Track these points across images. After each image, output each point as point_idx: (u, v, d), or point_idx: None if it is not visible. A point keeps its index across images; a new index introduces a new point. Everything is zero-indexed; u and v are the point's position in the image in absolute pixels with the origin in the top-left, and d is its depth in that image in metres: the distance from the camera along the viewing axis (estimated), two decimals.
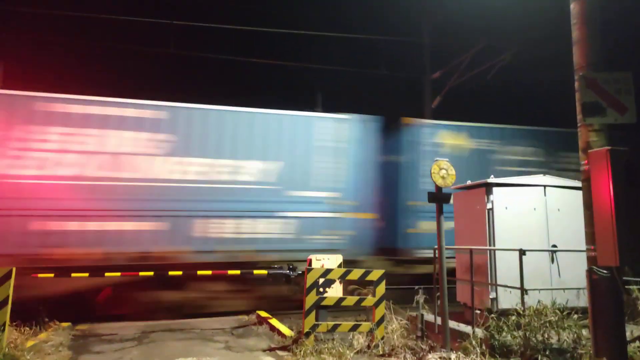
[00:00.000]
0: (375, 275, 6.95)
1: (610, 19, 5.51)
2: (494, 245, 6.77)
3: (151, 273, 8.57)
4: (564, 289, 6.41)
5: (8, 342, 5.99)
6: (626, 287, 5.13)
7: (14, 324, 6.77)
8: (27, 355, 5.92)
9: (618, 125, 4.82)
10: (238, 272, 9.15)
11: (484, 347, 5.47)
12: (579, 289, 6.37)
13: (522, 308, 5.52)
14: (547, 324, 5.27)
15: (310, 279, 6.74)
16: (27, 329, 7.00)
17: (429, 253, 9.75)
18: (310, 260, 7.90)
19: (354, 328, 6.82)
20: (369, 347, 6.63)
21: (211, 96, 10.54)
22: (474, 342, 5.57)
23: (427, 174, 9.98)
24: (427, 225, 10.70)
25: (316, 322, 6.68)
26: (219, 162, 9.72)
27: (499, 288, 6.58)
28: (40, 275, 8.02)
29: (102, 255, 8.74)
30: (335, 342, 6.45)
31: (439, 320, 6.56)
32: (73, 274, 8.20)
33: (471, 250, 6.65)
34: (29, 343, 6.51)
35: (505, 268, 6.61)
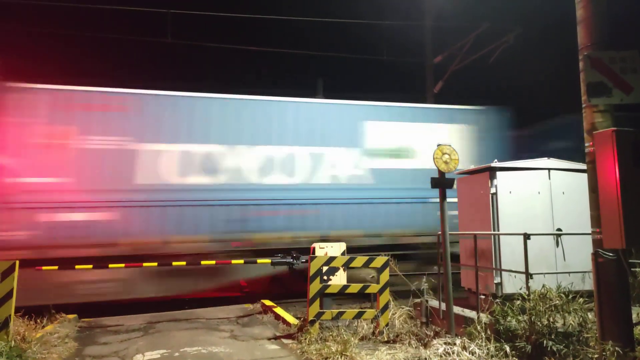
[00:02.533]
0: (379, 262, 6.93)
1: None
2: (498, 230, 6.72)
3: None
4: (569, 273, 6.36)
5: (14, 335, 6.03)
6: (632, 269, 5.07)
7: (25, 316, 6.82)
8: (34, 347, 5.96)
9: (624, 106, 4.72)
10: (242, 261, 9.16)
11: (489, 332, 5.45)
12: (585, 272, 6.33)
13: (527, 292, 5.48)
14: (553, 308, 5.23)
15: (313, 267, 6.72)
16: (33, 321, 7.02)
17: None
18: (314, 248, 7.89)
19: (359, 315, 6.82)
20: (373, 333, 6.64)
21: (212, 85, 10.45)
22: (478, 327, 5.55)
23: None
24: None
25: (321, 310, 6.68)
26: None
27: (503, 273, 6.55)
28: (44, 267, 8.05)
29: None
30: (340, 330, 6.46)
31: (443, 306, 6.54)
32: (77, 266, 8.23)
33: (475, 236, 6.60)
34: (36, 335, 6.55)
35: (510, 253, 6.57)
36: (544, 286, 5.54)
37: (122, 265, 8.50)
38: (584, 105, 4.86)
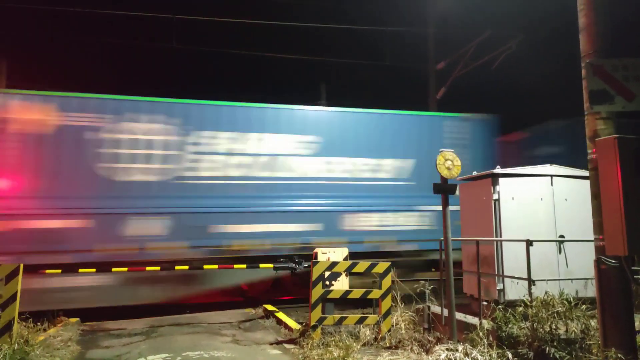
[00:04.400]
0: (381, 267, 6.94)
1: (616, 3, 5.38)
2: (501, 236, 6.72)
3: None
4: (571, 280, 6.36)
5: (18, 337, 6.05)
6: (635, 276, 5.07)
7: (29, 319, 6.85)
8: (37, 350, 5.97)
9: (626, 113, 4.74)
10: (244, 266, 9.19)
11: (491, 339, 5.44)
12: (587, 279, 6.32)
13: (530, 299, 5.48)
14: (555, 315, 5.23)
15: (316, 273, 6.73)
16: (37, 324, 7.05)
17: None
18: (316, 253, 7.90)
19: (361, 321, 6.81)
20: (375, 339, 6.64)
21: (217, 91, 10.51)
22: (481, 334, 5.54)
23: None
24: None
25: (323, 315, 6.69)
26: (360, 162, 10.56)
27: (505, 279, 6.54)
28: (48, 271, 8.09)
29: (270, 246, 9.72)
30: (342, 335, 6.46)
31: (445, 312, 6.53)
32: (80, 270, 8.27)
33: (477, 242, 6.61)
34: (39, 338, 6.57)
35: (512, 259, 6.57)
36: (546, 293, 5.54)
37: (125, 269, 8.53)
38: (586, 113, 4.89)
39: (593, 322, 5.15)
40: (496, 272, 6.65)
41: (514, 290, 6.46)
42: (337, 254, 7.87)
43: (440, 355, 5.36)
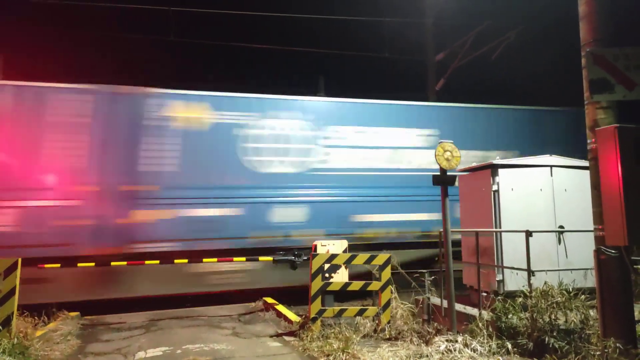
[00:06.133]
0: (380, 259, 6.93)
1: None
2: (500, 227, 6.71)
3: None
4: (571, 270, 6.35)
5: (17, 332, 6.05)
6: (634, 266, 5.07)
7: (27, 313, 6.87)
8: (36, 344, 5.98)
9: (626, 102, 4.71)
10: (244, 259, 9.18)
11: (490, 329, 5.45)
12: (587, 269, 6.32)
13: (529, 289, 5.48)
14: (554, 305, 5.23)
15: (315, 265, 6.73)
16: (36, 318, 7.05)
17: (148, 247, 8.83)
18: (316, 246, 7.89)
19: (360, 313, 6.82)
20: (375, 331, 6.64)
21: (212, 82, 10.44)
22: (480, 325, 5.55)
23: (151, 154, 8.94)
24: (144, 215, 8.94)
25: (322, 308, 6.69)
26: None
27: (505, 270, 6.54)
28: (47, 265, 8.08)
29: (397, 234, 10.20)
30: (341, 327, 6.46)
31: (445, 304, 6.54)
32: (79, 264, 8.26)
33: (477, 233, 6.60)
34: (38, 332, 6.57)
35: (512, 250, 6.56)
36: (545, 283, 5.53)
37: (125, 263, 8.52)
38: (586, 102, 4.85)
39: (592, 312, 5.15)
40: (495, 263, 6.65)
41: (514, 281, 6.46)
42: (337, 246, 7.86)
43: (440, 346, 5.37)
